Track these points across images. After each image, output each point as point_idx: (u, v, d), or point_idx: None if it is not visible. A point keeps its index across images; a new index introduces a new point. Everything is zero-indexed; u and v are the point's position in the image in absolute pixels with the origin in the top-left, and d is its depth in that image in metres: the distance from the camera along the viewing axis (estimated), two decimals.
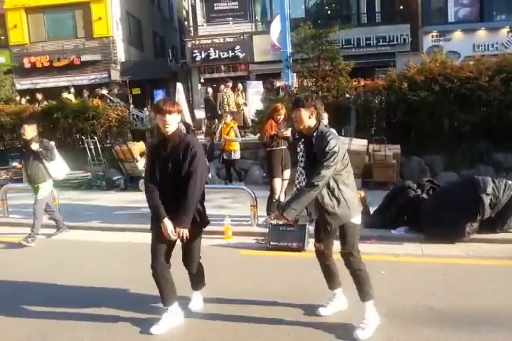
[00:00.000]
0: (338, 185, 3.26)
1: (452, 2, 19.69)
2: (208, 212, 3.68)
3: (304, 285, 4.25)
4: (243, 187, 7.16)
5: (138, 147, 9.87)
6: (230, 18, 20.63)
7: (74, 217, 7.21)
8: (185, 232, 3.31)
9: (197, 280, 3.79)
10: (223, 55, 19.96)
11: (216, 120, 13.45)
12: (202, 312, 3.78)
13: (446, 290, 4.11)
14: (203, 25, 20.94)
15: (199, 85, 20.67)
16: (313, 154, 3.24)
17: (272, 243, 5.53)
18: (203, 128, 15.19)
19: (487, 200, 5.34)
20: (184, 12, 28.39)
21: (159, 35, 26.16)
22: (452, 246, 5.34)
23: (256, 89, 15.28)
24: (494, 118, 9.08)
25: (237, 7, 20.81)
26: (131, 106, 13.90)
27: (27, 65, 20.43)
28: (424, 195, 6.02)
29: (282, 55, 13.28)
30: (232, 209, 7.03)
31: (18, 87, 19.81)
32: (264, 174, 9.17)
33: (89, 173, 10.52)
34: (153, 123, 11.66)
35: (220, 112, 12.83)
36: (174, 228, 3.30)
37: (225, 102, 13.09)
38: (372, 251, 5.11)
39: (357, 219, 3.36)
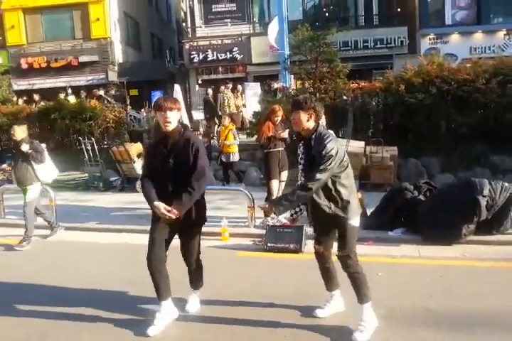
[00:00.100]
0: (335, 187, 3.24)
1: (449, 5, 19.76)
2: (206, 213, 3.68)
3: (301, 286, 4.25)
4: (240, 189, 7.16)
5: (135, 148, 9.85)
6: (228, 20, 20.66)
7: (71, 218, 7.20)
8: (176, 214, 3.28)
9: (196, 277, 3.77)
10: (221, 56, 19.97)
11: (216, 120, 13.44)
12: (198, 314, 3.77)
13: (443, 292, 4.11)
14: (200, 27, 20.95)
15: (197, 87, 20.68)
16: (312, 156, 3.23)
17: (269, 244, 5.52)
18: (201, 130, 15.18)
19: (483, 202, 5.36)
20: (182, 13, 28.44)
21: (157, 37, 26.17)
22: (449, 248, 5.35)
23: (253, 90, 15.30)
24: (491, 121, 9.10)
25: (235, 9, 20.83)
26: (129, 107, 13.89)
27: (24, 66, 20.39)
28: (421, 197, 6.03)
29: (280, 57, 13.30)
30: (229, 211, 7.02)
31: (15, 87, 19.78)
32: (262, 175, 9.17)
33: (86, 174, 10.51)
34: (151, 124, 11.67)
35: (220, 113, 12.82)
36: (171, 209, 3.27)
37: (226, 103, 13.09)
38: (370, 252, 5.11)
39: (355, 221, 3.34)
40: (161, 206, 3.30)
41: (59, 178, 10.05)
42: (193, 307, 3.81)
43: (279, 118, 6.30)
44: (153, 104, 3.71)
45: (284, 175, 6.47)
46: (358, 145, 8.86)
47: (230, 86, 13.90)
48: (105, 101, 13.11)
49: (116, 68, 20.56)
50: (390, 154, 8.80)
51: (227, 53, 19.91)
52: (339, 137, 8.98)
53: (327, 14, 21.08)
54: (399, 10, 20.86)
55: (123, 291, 4.29)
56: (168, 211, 3.28)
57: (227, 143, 9.13)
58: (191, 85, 21.02)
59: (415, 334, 3.37)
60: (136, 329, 3.53)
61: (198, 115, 16.09)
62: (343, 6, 21.59)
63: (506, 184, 5.64)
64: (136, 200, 8.41)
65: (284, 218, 6.24)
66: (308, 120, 3.26)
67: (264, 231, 5.76)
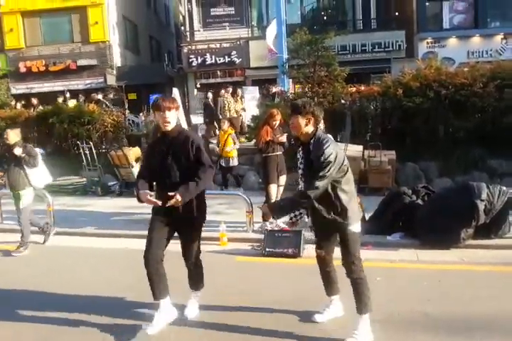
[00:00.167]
0: (336, 193, 3.21)
1: (447, 9, 19.87)
2: None
3: (300, 291, 4.25)
4: (239, 193, 7.16)
5: (133, 152, 9.85)
6: (227, 24, 20.71)
7: (69, 223, 7.18)
8: (179, 200, 3.25)
9: (197, 277, 3.75)
10: (219, 60, 20.01)
11: (216, 124, 13.45)
12: (196, 319, 3.75)
13: (441, 297, 4.12)
14: (199, 31, 20.99)
15: (195, 90, 20.70)
16: (311, 161, 3.21)
17: (267, 249, 5.52)
18: (199, 134, 15.19)
19: (482, 206, 5.37)
20: (181, 17, 28.52)
21: (155, 40, 26.21)
22: (447, 252, 5.36)
23: (252, 94, 15.32)
24: (488, 125, 9.13)
25: (233, 12, 20.90)
26: (127, 111, 13.88)
27: (22, 70, 20.38)
28: (419, 201, 6.04)
29: (278, 61, 13.34)
30: (227, 215, 7.02)
31: (14, 91, 19.77)
32: (260, 180, 9.17)
33: (84, 179, 10.49)
34: (149, 129, 11.66)
35: (220, 117, 12.83)
36: (172, 196, 3.22)
37: (226, 108, 13.11)
38: (368, 257, 5.06)
39: (356, 226, 3.31)
40: (146, 195, 3.32)
41: (57, 183, 10.09)
42: (191, 313, 3.79)
43: (278, 123, 6.31)
44: (151, 103, 3.74)
45: (283, 179, 6.47)
46: (356, 150, 8.87)
47: (230, 90, 13.93)
48: (103, 106, 13.11)
49: (114, 72, 20.58)
50: (388, 158, 8.82)
51: (226, 57, 19.96)
52: (337, 141, 8.99)
53: (325, 18, 21.15)
54: (397, 14, 20.94)
55: (121, 296, 4.28)
56: (171, 197, 3.23)
57: (228, 150, 9.15)
58: (189, 89, 21.04)
59: (413, 339, 3.38)
60: (134, 334, 3.52)
61: (197, 119, 16.09)
62: (341, 10, 21.68)
63: (504, 188, 5.65)
64: (134, 205, 8.32)
65: (282, 223, 6.24)
66: (306, 125, 3.24)
67: (262, 236, 5.75)
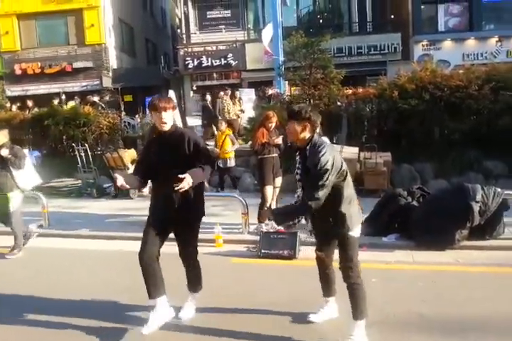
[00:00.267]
0: (335, 199, 3.15)
1: (442, 12, 20.00)
2: None
3: (295, 293, 4.24)
4: (234, 195, 7.15)
5: (129, 154, 9.83)
6: (223, 26, 20.77)
7: (64, 225, 7.15)
8: (185, 184, 3.16)
9: (195, 278, 3.73)
10: (216, 62, 20.04)
11: (214, 127, 13.44)
12: (191, 321, 3.73)
13: (436, 298, 4.12)
14: (195, 33, 21.04)
15: (191, 93, 20.71)
16: (308, 167, 3.16)
17: (263, 251, 5.51)
18: None
19: (476, 208, 5.38)
20: (177, 19, 28.55)
21: (152, 42, 26.22)
22: (442, 253, 5.37)
23: (248, 96, 15.33)
24: (483, 127, 9.16)
25: (229, 15, 20.96)
26: (123, 113, 13.87)
27: (18, 72, 20.36)
28: (415, 203, 6.05)
29: (274, 63, 13.36)
30: (223, 217, 7.01)
31: (9, 93, 19.71)
32: (256, 181, 9.17)
33: (79, 181, 10.44)
34: (145, 131, 11.65)
35: (220, 118, 12.80)
36: (182, 178, 3.14)
37: (226, 110, 13.11)
38: (364, 258, 4.99)
39: (356, 231, 3.27)
40: (120, 180, 3.31)
41: (52, 185, 10.07)
42: (186, 315, 3.76)
43: (273, 125, 6.31)
44: (147, 103, 3.74)
45: (278, 181, 6.46)
46: (352, 151, 8.89)
47: (229, 92, 13.95)
48: (99, 108, 13.09)
49: (110, 74, 20.56)
50: (383, 160, 8.83)
51: (222, 59, 20.00)
52: (333, 143, 9.02)
53: (321, 21, 21.26)
54: (392, 17, 21.08)
55: (116, 299, 4.25)
56: (181, 179, 3.14)
57: (228, 150, 9.16)
58: (186, 91, 21.06)
59: (408, 340, 3.38)
60: (128, 337, 3.50)
61: (193, 121, 16.09)
62: (337, 13, 21.79)
63: (499, 189, 5.66)
64: (129, 207, 8.39)
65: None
66: (302, 131, 3.16)
67: (258, 238, 5.75)
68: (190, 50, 20.53)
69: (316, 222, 3.36)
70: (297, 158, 3.37)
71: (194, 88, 20.83)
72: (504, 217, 5.61)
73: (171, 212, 3.41)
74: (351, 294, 3.28)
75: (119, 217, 7.71)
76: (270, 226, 6.20)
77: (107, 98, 15.82)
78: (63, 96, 16.52)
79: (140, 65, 23.81)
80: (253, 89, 16.23)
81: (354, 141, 9.71)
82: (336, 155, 3.15)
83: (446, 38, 19.76)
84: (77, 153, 10.32)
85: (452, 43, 19.76)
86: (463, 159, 9.15)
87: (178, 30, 24.44)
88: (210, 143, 11.45)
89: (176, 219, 3.46)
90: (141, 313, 3.81)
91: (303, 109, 3.20)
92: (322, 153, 3.06)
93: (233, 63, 20.02)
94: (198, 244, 3.75)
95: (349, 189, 3.23)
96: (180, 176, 3.14)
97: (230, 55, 19.99)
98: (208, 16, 21.04)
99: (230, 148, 9.19)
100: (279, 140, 6.22)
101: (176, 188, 3.12)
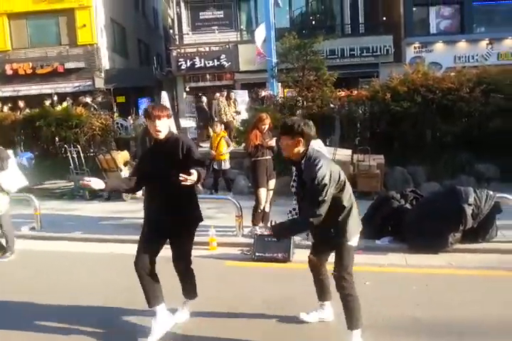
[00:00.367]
0: (335, 211, 3.12)
1: (434, 14, 20.16)
2: None
3: (289, 296, 4.24)
4: (228, 197, 7.14)
5: (122, 156, 9.78)
6: (216, 27, 20.75)
7: (56, 228, 7.10)
8: (193, 178, 3.05)
9: (190, 286, 3.71)
10: (208, 63, 20.00)
11: (210, 129, 13.42)
12: (185, 324, 3.72)
13: (429, 301, 4.14)
14: (188, 34, 21.00)
15: (184, 94, 20.67)
16: (304, 181, 3.12)
17: (257, 254, 5.51)
18: (189, 137, 15.17)
19: (469, 211, 5.42)
20: (169, 20, 28.48)
21: (144, 43, 26.12)
22: (435, 256, 5.40)
23: (241, 98, 15.33)
24: (475, 130, 9.24)
25: (222, 16, 20.96)
26: (116, 114, 13.79)
27: (9, 72, 20.17)
28: (408, 205, 6.08)
29: (267, 65, 13.37)
30: (217, 220, 6.99)
31: (0, 94, 19.54)
32: (250, 184, 9.16)
33: (71, 183, 10.37)
34: (138, 132, 11.59)
35: (216, 120, 12.78)
36: (189, 173, 3.04)
37: (223, 111, 13.09)
38: (357, 261, 4.99)
39: (354, 240, 3.26)
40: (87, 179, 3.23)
41: (44, 187, 9.99)
42: (180, 319, 3.74)
43: (267, 127, 6.30)
44: (142, 111, 3.72)
45: (272, 183, 6.46)
46: (345, 154, 8.91)
47: (225, 93, 13.94)
48: (91, 109, 13.01)
49: (102, 75, 20.45)
50: (376, 162, 8.87)
51: (215, 61, 19.96)
52: (326, 145, 9.03)
53: (314, 22, 21.32)
54: (384, 19, 21.17)
55: (114, 300, 4.23)
56: (190, 174, 3.03)
57: (223, 152, 9.16)
58: (179, 92, 21.00)
59: None
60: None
61: (186, 122, 16.05)
62: (330, 15, 21.87)
63: (491, 192, 5.70)
64: (122, 209, 8.36)
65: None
66: (296, 145, 3.12)
67: (252, 241, 5.74)
68: (182, 51, 20.48)
69: (316, 232, 3.34)
70: (293, 170, 3.33)
71: (187, 89, 20.79)
72: (497, 220, 5.65)
73: (165, 218, 3.38)
74: (345, 306, 3.25)
75: (111, 220, 7.67)
76: (264, 229, 6.19)
77: (99, 99, 15.74)
78: (55, 97, 16.41)
79: (132, 65, 23.71)
80: (246, 91, 16.24)
81: (347, 143, 9.74)
82: (333, 167, 3.11)
83: (438, 40, 19.92)
84: (69, 154, 10.25)
85: (444, 45, 19.92)
86: (455, 162, 9.21)
87: (171, 31, 24.39)
88: (205, 145, 11.48)
89: (172, 225, 3.42)
90: (139, 317, 3.79)
91: (295, 123, 3.14)
92: (318, 167, 3.01)
93: (226, 64, 20.00)
94: (193, 246, 3.73)
95: (348, 197, 3.20)
96: (191, 171, 3.04)
97: (223, 56, 19.97)
98: (201, 17, 21.02)
99: (225, 150, 9.19)
100: (273, 142, 6.21)
101: (181, 179, 3.01)
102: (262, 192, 6.28)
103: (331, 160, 3.24)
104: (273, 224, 3.27)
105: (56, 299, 4.37)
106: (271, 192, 6.47)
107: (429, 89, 9.43)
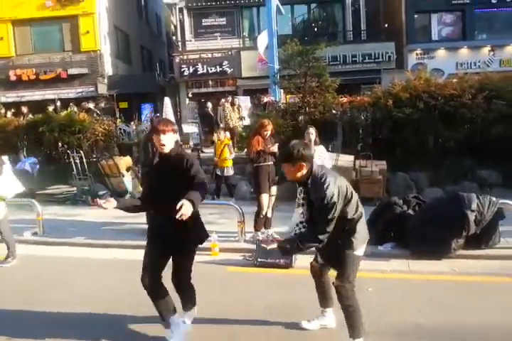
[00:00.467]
0: (342, 225, 3.11)
1: (436, 21, 20.24)
2: None
3: (292, 302, 4.23)
4: (230, 203, 7.14)
5: (124, 161, 9.81)
6: (218, 34, 20.86)
7: (58, 233, 7.11)
8: (186, 210, 2.92)
9: (189, 300, 3.68)
10: (211, 70, 20.09)
11: (215, 135, 13.45)
12: (186, 330, 3.71)
13: (432, 307, 4.12)
14: (190, 40, 21.11)
15: (187, 100, 20.74)
16: (311, 200, 3.12)
17: (259, 259, 5.50)
18: (191, 143, 15.22)
19: (472, 217, 5.41)
20: (172, 27, 28.63)
21: (147, 49, 26.26)
22: (438, 263, 5.38)
23: (244, 104, 15.38)
24: (477, 136, 9.24)
25: (224, 23, 21.08)
26: (118, 120, 13.84)
27: (13, 78, 20.26)
28: (410, 211, 6.07)
29: (270, 71, 13.42)
30: (219, 225, 6.99)
31: (3, 99, 19.61)
32: (252, 189, 9.16)
33: (74, 188, 10.39)
34: (140, 138, 11.63)
35: (222, 126, 12.81)
36: (180, 207, 2.92)
37: (228, 117, 13.14)
38: (360, 267, 5.06)
39: (360, 250, 3.25)
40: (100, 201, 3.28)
41: (47, 192, 10.01)
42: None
43: (269, 133, 6.32)
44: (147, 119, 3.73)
45: (274, 189, 6.47)
46: (347, 160, 8.92)
47: (230, 99, 14.01)
48: (94, 114, 13.06)
49: (105, 81, 20.54)
50: (379, 168, 8.86)
51: (217, 67, 20.05)
52: (329, 151, 9.04)
53: (316, 29, 21.42)
54: (386, 26, 21.26)
55: (118, 307, 4.22)
56: (178, 209, 2.91)
57: (227, 159, 9.20)
58: (181, 99, 21.07)
59: None
60: None
61: (189, 128, 16.10)
62: (332, 22, 21.97)
63: (494, 198, 5.70)
64: (125, 215, 8.24)
65: (274, 232, 6.22)
66: (299, 170, 3.11)
67: (254, 246, 5.74)
68: (185, 57, 20.58)
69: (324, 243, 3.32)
70: (299, 189, 3.31)
71: (190, 95, 20.86)
72: (500, 226, 5.64)
73: (170, 236, 3.36)
74: (347, 316, 3.24)
75: (114, 225, 7.67)
76: (266, 234, 6.19)
77: (102, 105, 15.81)
78: (58, 103, 16.48)
79: (135, 72, 23.81)
80: (248, 97, 16.29)
81: (349, 149, 9.75)
82: (340, 182, 3.10)
83: (440, 47, 19.96)
84: (72, 160, 10.28)
85: (446, 52, 19.96)
86: (457, 168, 9.20)
87: (174, 38, 24.52)
88: (209, 151, 11.51)
89: (175, 243, 3.38)
90: (143, 324, 3.80)
91: (294, 149, 3.10)
92: (326, 185, 3.01)
93: (228, 71, 20.09)
94: None
95: (356, 212, 3.18)
96: (178, 205, 2.91)
97: (226, 62, 20.06)
98: (204, 24, 21.15)
99: (228, 157, 9.22)
100: (275, 148, 6.23)
101: (178, 217, 2.92)
102: (264, 197, 6.28)
103: (336, 174, 3.21)
104: (281, 244, 3.24)
105: (59, 305, 4.36)
106: (273, 198, 6.47)
107: (431, 95, 9.45)
